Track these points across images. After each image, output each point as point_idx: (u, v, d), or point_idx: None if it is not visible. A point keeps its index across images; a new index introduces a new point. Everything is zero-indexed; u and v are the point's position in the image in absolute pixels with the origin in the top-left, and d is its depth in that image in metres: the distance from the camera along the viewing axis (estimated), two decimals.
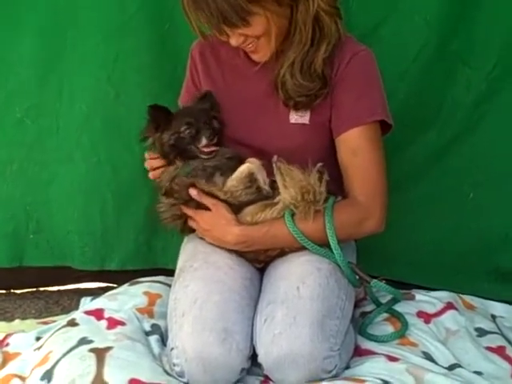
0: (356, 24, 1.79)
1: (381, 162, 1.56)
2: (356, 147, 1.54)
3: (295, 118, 1.58)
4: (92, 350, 1.41)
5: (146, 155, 1.60)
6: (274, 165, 1.50)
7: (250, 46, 1.50)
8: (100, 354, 1.40)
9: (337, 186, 1.57)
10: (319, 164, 1.48)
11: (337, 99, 1.55)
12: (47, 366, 1.40)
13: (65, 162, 1.96)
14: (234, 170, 1.51)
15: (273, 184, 1.51)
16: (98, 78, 1.90)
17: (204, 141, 1.49)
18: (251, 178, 1.49)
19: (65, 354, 1.41)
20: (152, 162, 1.58)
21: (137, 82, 1.92)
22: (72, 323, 1.55)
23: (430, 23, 1.82)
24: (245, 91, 1.61)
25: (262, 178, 1.50)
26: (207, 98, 1.58)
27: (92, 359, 1.38)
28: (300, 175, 1.45)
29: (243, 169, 1.50)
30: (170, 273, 1.66)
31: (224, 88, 1.63)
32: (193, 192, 1.51)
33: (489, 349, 1.56)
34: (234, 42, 1.49)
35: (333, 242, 1.45)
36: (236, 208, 1.51)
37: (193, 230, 1.61)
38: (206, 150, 1.50)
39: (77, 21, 1.86)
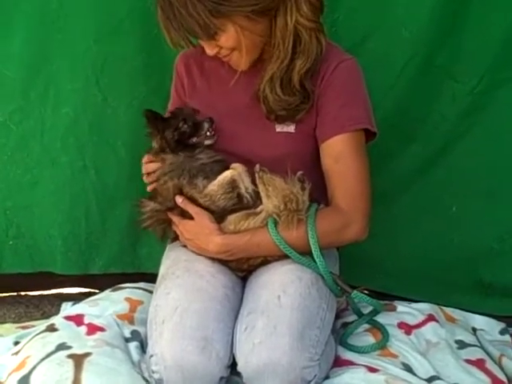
0: (343, 36, 1.79)
1: (364, 170, 1.56)
2: (339, 154, 1.54)
3: (281, 126, 1.57)
4: (70, 356, 1.40)
5: (144, 159, 1.59)
6: (256, 174, 1.50)
7: (226, 56, 1.51)
8: (78, 359, 1.39)
9: (321, 194, 1.57)
10: (300, 172, 1.48)
11: (322, 107, 1.55)
12: (24, 372, 1.39)
13: (49, 166, 1.96)
14: (218, 174, 1.52)
15: (256, 193, 1.51)
16: (86, 81, 1.90)
17: (206, 126, 1.55)
18: (233, 184, 1.50)
19: (42, 360, 1.40)
20: (148, 165, 1.58)
21: (125, 87, 1.93)
22: (51, 328, 1.54)
23: (416, 36, 1.83)
24: (230, 101, 1.61)
25: (244, 186, 1.51)
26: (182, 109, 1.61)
27: (70, 365, 1.37)
28: (283, 184, 1.45)
29: (226, 174, 1.51)
30: (154, 277, 1.64)
31: (210, 98, 1.63)
32: (178, 199, 1.52)
33: (468, 361, 1.56)
34: (209, 51, 1.50)
35: (315, 251, 1.45)
36: (219, 217, 1.51)
37: (174, 238, 1.61)
38: (209, 133, 1.55)
39: (66, 25, 1.85)
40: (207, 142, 1.57)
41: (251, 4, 1.41)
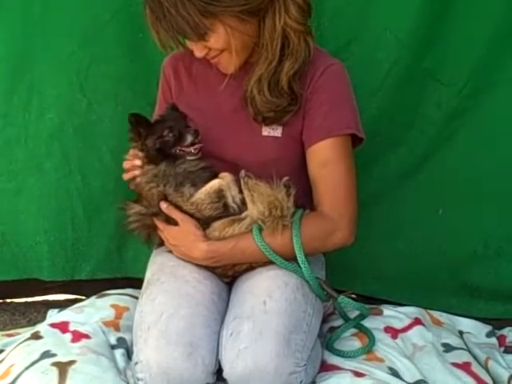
0: (328, 40, 1.80)
1: (350, 175, 1.56)
2: (326, 159, 1.54)
3: (268, 130, 1.57)
4: (54, 364, 1.39)
5: (128, 155, 1.57)
6: (241, 180, 1.49)
7: (215, 57, 1.51)
8: (62, 367, 1.38)
9: (308, 199, 1.57)
10: (285, 178, 1.49)
11: (309, 112, 1.55)
12: (9, 380, 1.37)
13: (34, 172, 1.94)
14: (206, 182, 1.50)
15: (243, 202, 1.49)
16: (70, 86, 1.90)
17: (190, 138, 1.50)
18: (220, 194, 1.49)
19: (27, 368, 1.39)
20: (125, 162, 1.56)
21: (110, 91, 1.92)
22: (36, 336, 1.53)
23: (401, 40, 1.83)
24: (218, 105, 1.61)
25: (231, 196, 1.50)
26: (175, 108, 1.59)
27: (54, 373, 1.36)
28: (268, 190, 1.45)
29: (213, 183, 1.50)
30: (141, 282, 1.63)
31: (197, 102, 1.63)
32: (163, 205, 1.51)
33: (455, 365, 1.56)
34: (197, 53, 1.50)
35: (300, 257, 1.45)
36: (204, 223, 1.50)
37: (160, 243, 1.60)
38: (192, 148, 1.51)
39: (49, 29, 1.85)
40: (189, 158, 1.52)
41: (241, 4, 1.41)
